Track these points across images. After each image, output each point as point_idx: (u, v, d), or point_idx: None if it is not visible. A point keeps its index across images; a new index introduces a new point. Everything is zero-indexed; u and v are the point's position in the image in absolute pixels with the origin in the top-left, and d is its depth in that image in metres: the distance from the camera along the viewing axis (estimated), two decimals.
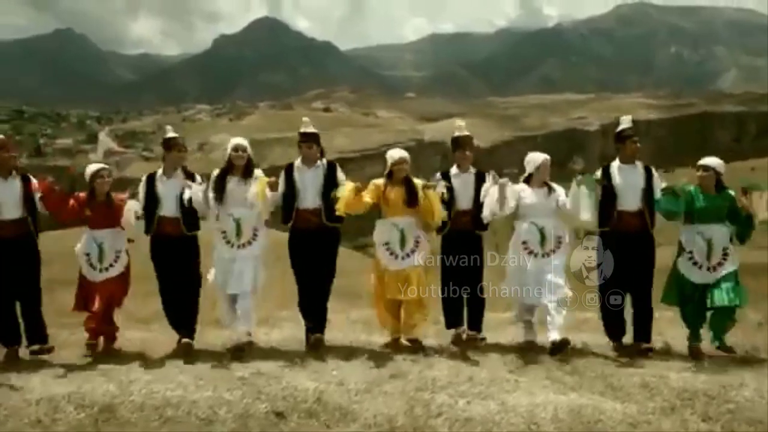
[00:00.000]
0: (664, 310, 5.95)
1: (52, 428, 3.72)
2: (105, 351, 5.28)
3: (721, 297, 4.95)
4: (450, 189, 5.29)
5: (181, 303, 5.31)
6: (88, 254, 5.28)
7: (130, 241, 5.41)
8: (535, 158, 5.39)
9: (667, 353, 5.18)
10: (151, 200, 5.26)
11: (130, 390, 4.18)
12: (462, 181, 5.37)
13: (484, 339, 5.38)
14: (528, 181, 5.37)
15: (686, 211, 5.11)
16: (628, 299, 5.25)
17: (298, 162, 5.35)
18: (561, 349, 4.97)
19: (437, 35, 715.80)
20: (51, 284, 5.80)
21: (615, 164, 5.29)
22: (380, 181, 5.34)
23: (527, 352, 5.18)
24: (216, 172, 5.30)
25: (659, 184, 5.19)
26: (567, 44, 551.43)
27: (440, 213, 5.18)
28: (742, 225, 5.10)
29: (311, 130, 5.33)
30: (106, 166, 5.45)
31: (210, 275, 5.34)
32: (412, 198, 5.18)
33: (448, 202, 5.27)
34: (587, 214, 5.15)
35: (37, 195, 5.14)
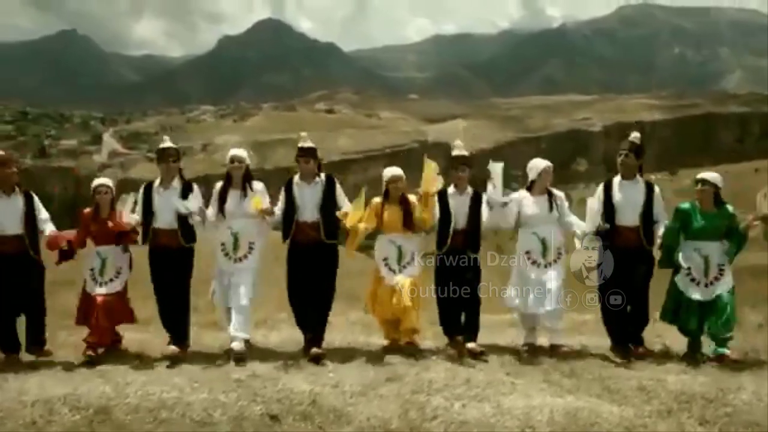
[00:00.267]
0: None
1: (47, 430, 3.72)
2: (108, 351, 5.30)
3: (716, 329, 4.96)
4: (447, 211, 5.29)
5: (174, 312, 5.28)
6: (92, 269, 5.29)
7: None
8: (537, 165, 5.38)
9: (665, 356, 5.16)
10: (148, 212, 5.23)
11: (125, 392, 4.18)
12: (458, 201, 5.36)
13: (483, 352, 5.30)
14: (531, 187, 5.36)
15: (683, 228, 5.11)
16: None
17: (296, 178, 5.33)
18: (557, 352, 5.10)
19: (440, 36, 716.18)
20: (52, 286, 5.79)
21: (617, 179, 5.27)
22: (378, 199, 5.36)
23: (525, 353, 5.17)
24: (218, 186, 5.32)
25: (660, 203, 5.20)
26: (570, 45, 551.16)
27: (430, 183, 5.16)
28: (736, 245, 5.07)
29: (309, 144, 5.29)
30: (105, 182, 5.41)
31: (212, 286, 5.40)
32: (407, 219, 5.22)
33: (446, 222, 5.28)
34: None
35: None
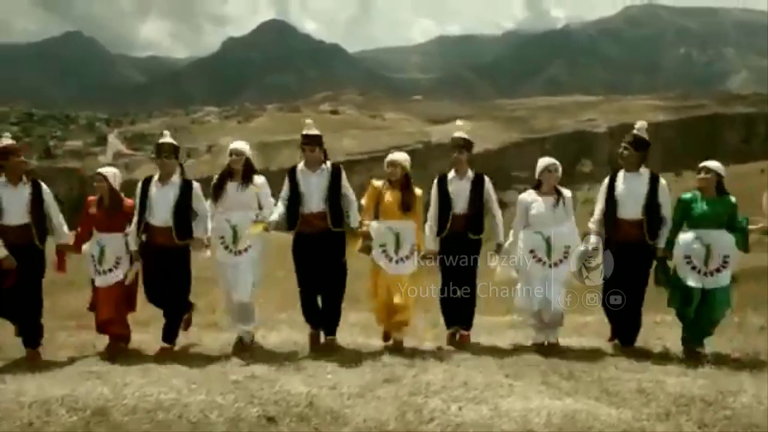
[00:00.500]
0: (665, 314, 5.92)
1: (44, 430, 3.71)
2: (115, 350, 5.34)
3: (702, 324, 5.04)
4: (446, 196, 5.34)
5: (166, 312, 5.29)
6: (92, 256, 5.31)
7: None
8: (541, 164, 5.36)
9: (665, 358, 5.13)
10: (142, 206, 5.18)
11: (123, 393, 4.17)
12: (457, 186, 5.36)
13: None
14: (539, 186, 5.34)
15: (684, 216, 5.09)
16: None
17: (301, 165, 5.25)
18: (552, 352, 5.10)
19: (444, 37, 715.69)
20: (52, 286, 5.83)
21: (622, 171, 5.24)
22: (379, 182, 5.33)
23: (524, 354, 5.16)
24: (216, 176, 5.30)
25: (665, 194, 5.15)
26: (575, 46, 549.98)
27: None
28: (742, 233, 5.04)
29: (314, 131, 5.22)
30: (101, 171, 5.41)
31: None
32: (406, 203, 5.19)
33: (445, 206, 5.32)
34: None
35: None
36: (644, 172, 5.17)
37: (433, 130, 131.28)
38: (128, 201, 5.35)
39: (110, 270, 5.27)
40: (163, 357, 5.08)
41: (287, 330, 6.10)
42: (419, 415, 3.84)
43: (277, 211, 5.19)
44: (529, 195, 5.34)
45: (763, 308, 6.88)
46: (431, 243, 5.35)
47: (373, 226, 5.26)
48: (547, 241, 5.18)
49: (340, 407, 3.94)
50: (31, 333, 5.21)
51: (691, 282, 5.01)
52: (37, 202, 5.11)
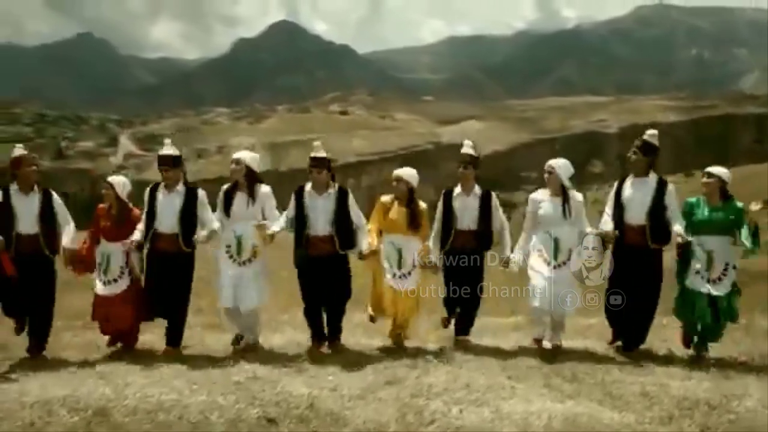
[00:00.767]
0: (671, 317, 5.85)
1: (45, 431, 3.73)
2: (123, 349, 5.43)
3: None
4: (449, 211, 5.36)
5: (169, 317, 5.30)
6: (99, 264, 5.34)
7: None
8: (546, 164, 5.34)
9: (670, 361, 5.09)
10: (150, 213, 5.21)
11: (125, 393, 4.19)
12: (464, 202, 5.37)
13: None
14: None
15: (687, 221, 5.05)
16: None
17: (308, 187, 5.26)
18: (554, 355, 5.12)
19: (455, 38, 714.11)
20: (58, 287, 5.83)
21: (630, 177, 5.22)
22: (387, 198, 5.35)
23: (527, 356, 5.13)
24: (224, 188, 5.32)
25: (673, 198, 5.10)
26: (586, 46, 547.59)
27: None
28: (750, 234, 4.96)
29: (322, 154, 5.21)
30: (109, 179, 5.46)
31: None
32: (413, 220, 5.24)
33: (447, 222, 5.35)
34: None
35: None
36: (652, 177, 5.14)
37: (444, 131, 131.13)
38: (136, 211, 5.38)
39: (114, 280, 5.31)
40: (168, 357, 5.12)
41: (290, 331, 6.11)
42: (420, 417, 3.83)
43: (278, 224, 5.18)
44: (539, 194, 5.33)
45: None
46: (434, 256, 5.36)
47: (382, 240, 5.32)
48: (555, 242, 5.15)
49: (341, 409, 3.94)
50: (38, 340, 5.24)
51: (696, 286, 4.97)
52: (46, 211, 5.15)
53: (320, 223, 5.16)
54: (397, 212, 5.27)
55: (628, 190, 5.16)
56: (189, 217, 5.16)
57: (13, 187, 5.11)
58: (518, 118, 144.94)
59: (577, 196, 5.28)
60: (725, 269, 4.95)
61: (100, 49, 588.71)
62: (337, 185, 5.28)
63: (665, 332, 5.80)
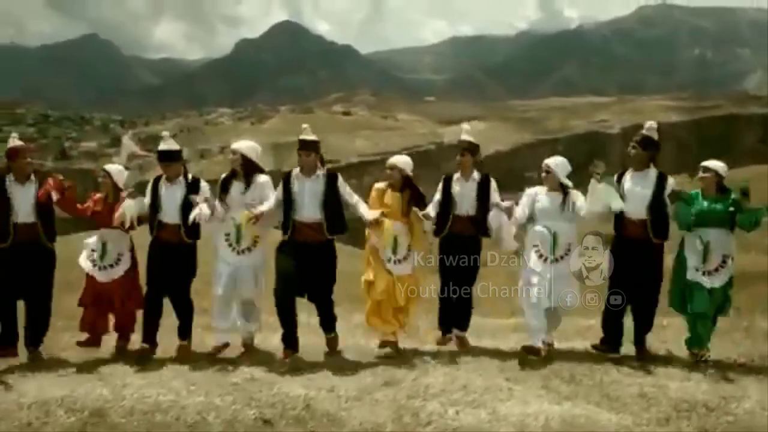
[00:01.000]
0: (672, 317, 5.84)
1: (42, 431, 3.73)
2: (118, 349, 5.43)
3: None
4: (448, 196, 5.32)
5: (176, 308, 5.31)
6: (93, 251, 5.38)
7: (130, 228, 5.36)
8: (543, 163, 5.32)
9: (669, 362, 5.07)
10: (154, 204, 5.25)
11: (122, 394, 4.20)
12: (462, 187, 5.35)
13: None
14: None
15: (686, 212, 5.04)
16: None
17: (296, 171, 5.19)
18: (533, 354, 5.00)
19: (457, 38, 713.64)
20: (58, 286, 5.83)
21: (629, 171, 5.20)
22: (381, 185, 5.33)
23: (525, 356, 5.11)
24: (222, 176, 5.34)
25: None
26: (588, 46, 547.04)
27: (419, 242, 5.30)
28: (755, 214, 4.93)
29: (310, 137, 5.14)
30: (105, 167, 5.53)
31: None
32: (408, 206, 5.21)
33: (446, 206, 5.30)
34: (617, 203, 5.00)
35: (54, 196, 5.15)
36: (652, 171, 5.12)
37: (446, 131, 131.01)
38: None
39: (111, 266, 5.35)
40: (182, 356, 5.15)
41: None
42: (416, 418, 3.83)
43: (267, 204, 5.13)
44: (536, 188, 5.32)
45: None
46: (428, 225, 5.33)
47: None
48: (554, 236, 5.12)
49: (337, 410, 3.94)
50: (35, 332, 5.24)
51: (693, 277, 4.97)
52: (42, 199, 5.15)
53: (308, 208, 5.05)
54: (391, 197, 5.24)
55: (627, 184, 5.14)
56: (191, 208, 5.14)
57: (9, 177, 5.14)
58: (520, 118, 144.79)
59: (578, 198, 5.21)
60: (723, 261, 4.94)
61: (102, 49, 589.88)
62: (325, 169, 5.20)
63: (665, 333, 5.79)
